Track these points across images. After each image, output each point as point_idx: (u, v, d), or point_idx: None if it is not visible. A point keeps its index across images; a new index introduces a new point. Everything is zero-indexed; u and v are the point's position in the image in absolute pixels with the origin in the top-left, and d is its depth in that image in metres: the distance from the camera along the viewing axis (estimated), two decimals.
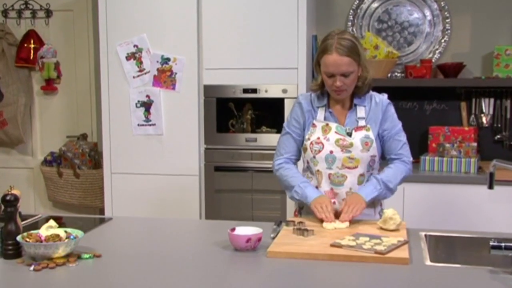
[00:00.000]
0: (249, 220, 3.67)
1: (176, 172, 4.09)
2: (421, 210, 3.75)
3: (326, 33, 4.25)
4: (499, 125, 4.23)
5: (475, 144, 3.95)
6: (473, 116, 4.24)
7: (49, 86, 4.82)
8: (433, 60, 4.25)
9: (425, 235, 2.41)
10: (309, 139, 2.63)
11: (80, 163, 4.60)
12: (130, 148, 4.14)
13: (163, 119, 4.07)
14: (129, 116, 4.12)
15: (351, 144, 2.56)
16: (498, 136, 4.24)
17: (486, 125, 4.22)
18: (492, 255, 2.34)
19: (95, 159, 4.68)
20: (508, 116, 4.20)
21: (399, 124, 2.66)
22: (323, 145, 2.58)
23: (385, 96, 2.66)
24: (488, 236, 2.45)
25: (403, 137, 2.66)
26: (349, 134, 2.58)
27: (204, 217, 4.10)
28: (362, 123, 2.60)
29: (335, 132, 2.59)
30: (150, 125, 4.09)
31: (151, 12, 4.03)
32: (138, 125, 4.11)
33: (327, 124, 2.61)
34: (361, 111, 2.62)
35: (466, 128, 4.07)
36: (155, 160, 4.12)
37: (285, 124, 2.76)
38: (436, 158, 3.92)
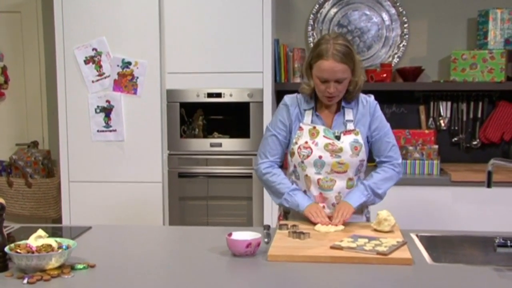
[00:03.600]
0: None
1: (138, 180, 3.97)
2: None
3: (287, 37, 4.34)
4: (456, 128, 4.34)
5: (436, 146, 4.03)
6: (431, 119, 4.32)
7: None
8: (392, 64, 4.32)
9: (417, 235, 2.42)
10: (296, 143, 2.57)
11: (32, 172, 4.39)
12: (89, 155, 3.99)
13: (124, 124, 3.94)
14: (88, 122, 3.96)
15: (341, 149, 2.52)
16: (455, 139, 4.35)
17: (444, 128, 4.32)
18: (482, 253, 2.40)
19: (48, 168, 4.47)
20: (465, 119, 4.32)
21: (387, 125, 2.63)
22: (311, 149, 2.53)
23: (372, 97, 2.63)
24: (476, 235, 2.50)
25: (391, 138, 2.63)
26: (338, 138, 2.53)
27: (167, 225, 3.98)
28: (350, 126, 2.56)
29: (324, 136, 2.53)
30: (110, 131, 3.95)
31: (110, 14, 3.90)
32: (98, 131, 3.96)
33: (314, 127, 2.56)
34: (349, 114, 2.58)
35: (426, 131, 4.15)
36: (116, 167, 3.98)
37: (269, 126, 2.68)
38: None
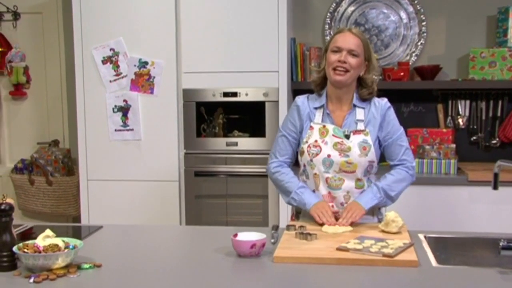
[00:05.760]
0: (228, 226, 3.64)
1: (155, 178, 4.01)
2: (402, 212, 3.73)
3: (304, 36, 4.34)
4: (475, 127, 4.29)
5: (453, 145, 3.98)
6: (449, 118, 4.28)
7: (18, 91, 4.67)
8: (410, 63, 4.28)
9: (425, 237, 2.40)
10: (306, 142, 2.59)
11: (52, 170, 4.46)
12: (107, 154, 4.04)
13: (141, 124, 3.99)
14: (106, 121, 4.01)
15: (349, 148, 2.53)
16: (474, 138, 4.30)
17: (463, 127, 4.27)
18: (491, 255, 2.37)
19: (68, 166, 4.54)
20: (484, 117, 4.27)
21: (400, 129, 2.64)
22: (320, 148, 2.55)
23: (384, 100, 2.63)
24: (486, 236, 2.47)
25: (405, 142, 2.63)
26: (347, 137, 2.55)
27: (184, 223, 4.03)
28: (361, 126, 2.57)
29: (333, 135, 2.55)
30: (127, 130, 4.00)
31: (127, 14, 3.95)
32: (116, 130, 4.01)
33: (324, 126, 2.57)
34: (360, 113, 2.58)
35: (444, 130, 4.11)
36: (133, 166, 4.03)
37: (280, 126, 2.73)
38: (416, 160, 3.93)
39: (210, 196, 4.01)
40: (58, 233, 2.10)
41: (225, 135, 4.02)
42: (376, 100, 2.63)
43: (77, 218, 4.44)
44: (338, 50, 2.51)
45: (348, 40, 2.51)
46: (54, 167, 4.48)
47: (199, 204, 4.02)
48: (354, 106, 2.59)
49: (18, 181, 4.53)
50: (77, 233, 2.54)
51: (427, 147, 3.96)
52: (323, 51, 2.62)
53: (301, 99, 2.67)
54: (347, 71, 2.50)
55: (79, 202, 4.24)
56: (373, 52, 2.61)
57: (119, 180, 4.04)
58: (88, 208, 4.08)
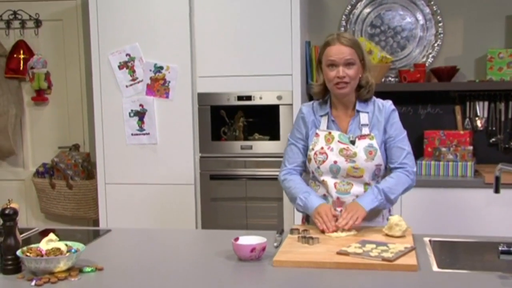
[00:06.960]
0: (245, 229, 3.67)
1: (171, 181, 4.05)
2: (418, 215, 3.73)
3: (319, 39, 4.32)
4: (494, 128, 4.23)
5: (470, 147, 3.94)
6: (467, 119, 4.23)
7: (40, 96, 4.77)
8: (427, 64, 4.25)
9: (430, 241, 2.39)
10: (313, 149, 2.61)
11: (73, 174, 4.55)
12: (124, 158, 4.10)
13: (157, 128, 4.04)
14: (123, 125, 4.07)
15: (355, 154, 2.53)
16: (493, 139, 4.24)
17: (481, 128, 4.22)
18: (497, 259, 2.33)
19: (88, 170, 4.62)
20: (503, 119, 4.20)
21: (403, 132, 2.62)
22: (327, 155, 2.56)
23: (389, 102, 2.62)
24: (492, 240, 2.44)
25: (407, 146, 2.61)
26: (353, 143, 2.55)
27: (200, 226, 4.06)
28: (365, 131, 2.57)
29: (339, 141, 2.56)
30: (144, 134, 4.05)
31: (143, 20, 4.00)
32: (132, 134, 4.06)
33: (329, 133, 2.59)
34: (364, 118, 2.58)
35: (462, 132, 4.07)
36: (150, 170, 4.08)
37: (289, 136, 2.75)
38: (432, 162, 3.90)
39: (225, 199, 4.04)
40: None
41: (245, 138, 4.05)
42: (380, 102, 2.62)
43: (97, 221, 4.51)
44: (334, 64, 2.49)
45: (341, 52, 2.47)
46: (74, 171, 4.56)
47: (215, 207, 4.05)
48: (358, 111, 2.60)
49: (40, 185, 4.62)
50: (85, 237, 2.59)
51: (443, 149, 3.92)
52: (317, 63, 2.61)
53: (306, 107, 2.70)
54: (348, 82, 2.51)
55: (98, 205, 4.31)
56: (365, 52, 2.60)
57: (136, 184, 4.09)
58: (106, 211, 4.15)
